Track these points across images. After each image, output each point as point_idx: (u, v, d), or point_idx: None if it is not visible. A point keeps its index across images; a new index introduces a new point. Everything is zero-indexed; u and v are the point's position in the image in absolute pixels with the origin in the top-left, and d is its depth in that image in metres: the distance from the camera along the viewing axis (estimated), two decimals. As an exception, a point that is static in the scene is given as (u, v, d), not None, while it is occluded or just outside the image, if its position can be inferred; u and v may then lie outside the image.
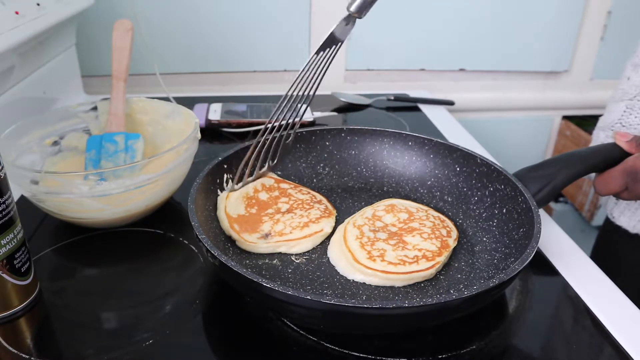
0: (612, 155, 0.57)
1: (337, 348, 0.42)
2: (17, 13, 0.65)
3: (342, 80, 1.13)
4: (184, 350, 0.42)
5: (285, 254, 0.51)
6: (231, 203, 0.55)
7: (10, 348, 0.41)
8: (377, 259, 0.48)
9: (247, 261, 0.50)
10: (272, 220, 0.53)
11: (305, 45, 1.08)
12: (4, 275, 0.43)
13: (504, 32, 1.13)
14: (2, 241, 0.42)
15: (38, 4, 0.71)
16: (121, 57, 0.66)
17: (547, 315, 0.46)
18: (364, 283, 0.47)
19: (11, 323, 0.44)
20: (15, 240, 0.43)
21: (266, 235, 0.52)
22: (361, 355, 0.41)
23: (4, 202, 0.41)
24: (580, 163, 0.56)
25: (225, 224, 0.52)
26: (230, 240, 0.52)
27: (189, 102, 0.76)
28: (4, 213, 0.41)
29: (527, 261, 0.41)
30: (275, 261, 0.50)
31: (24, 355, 0.41)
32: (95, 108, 0.67)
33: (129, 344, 0.42)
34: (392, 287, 0.47)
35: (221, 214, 0.53)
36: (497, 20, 1.12)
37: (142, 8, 0.99)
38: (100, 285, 0.50)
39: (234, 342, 0.44)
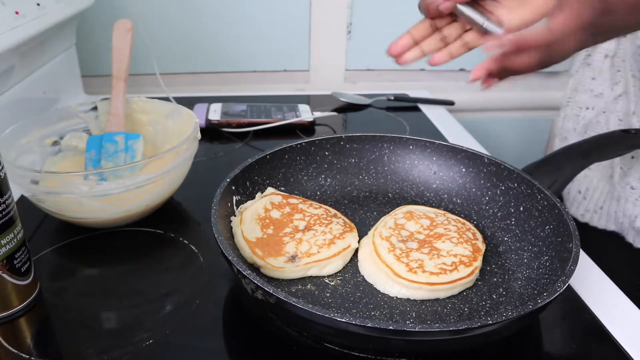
0: (614, 142, 0.57)
1: (337, 348, 0.42)
2: (17, 13, 0.65)
3: (342, 80, 1.13)
4: (184, 350, 0.42)
5: (317, 277, 0.48)
6: (246, 227, 0.50)
7: (10, 348, 0.41)
8: (417, 271, 0.46)
9: (279, 289, 0.43)
10: (295, 240, 0.50)
11: (306, 45, 1.08)
12: (4, 275, 0.43)
13: (504, 32, 1.13)
14: (2, 241, 0.42)
15: (38, 4, 0.70)
16: (121, 57, 0.66)
17: (547, 315, 0.46)
18: (409, 299, 0.45)
19: (11, 323, 0.44)
20: (15, 240, 0.43)
21: (293, 258, 0.48)
22: (361, 355, 0.41)
23: (4, 202, 0.42)
24: (583, 154, 0.56)
25: (246, 251, 0.48)
26: (253, 268, 0.47)
27: (189, 102, 0.76)
28: (4, 213, 0.41)
29: (577, 262, 0.41)
30: (309, 286, 0.47)
31: (24, 355, 0.41)
32: (95, 108, 0.67)
33: (129, 344, 0.42)
34: (437, 300, 0.46)
35: (240, 241, 0.49)
36: (497, 20, 1.12)
37: (142, 8, 0.99)
38: (100, 285, 0.50)
39: (234, 341, 0.44)
